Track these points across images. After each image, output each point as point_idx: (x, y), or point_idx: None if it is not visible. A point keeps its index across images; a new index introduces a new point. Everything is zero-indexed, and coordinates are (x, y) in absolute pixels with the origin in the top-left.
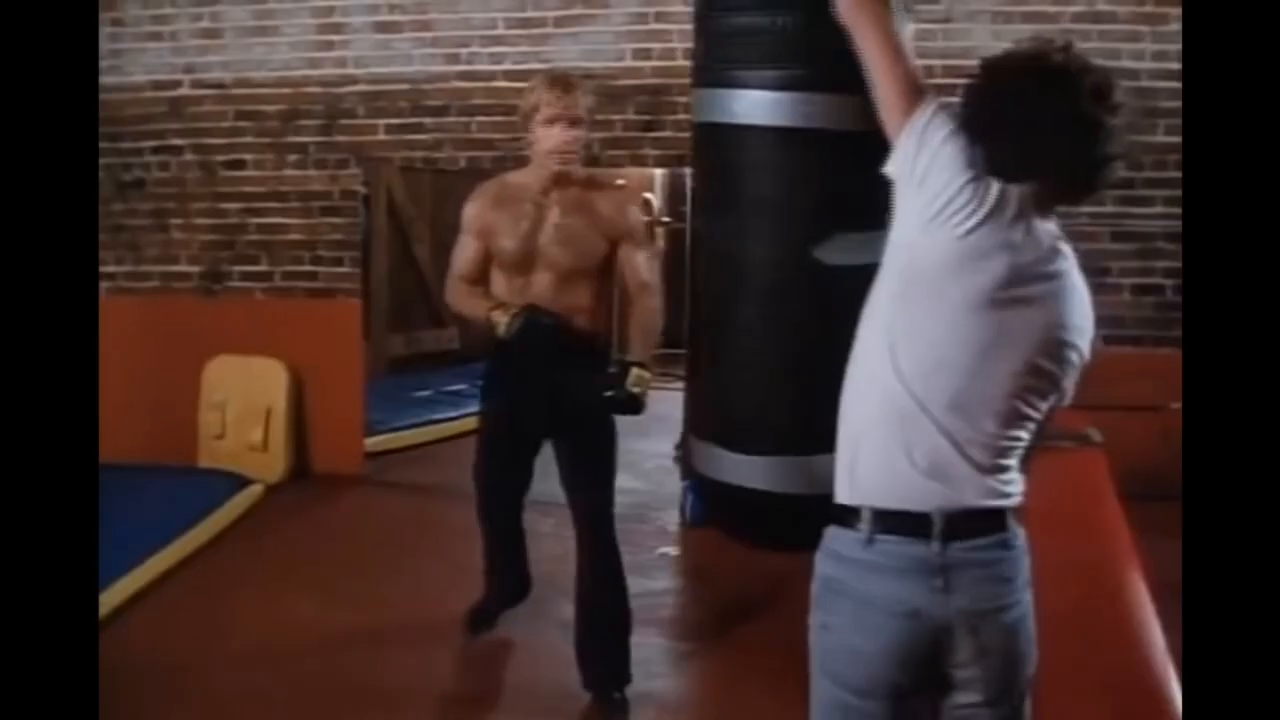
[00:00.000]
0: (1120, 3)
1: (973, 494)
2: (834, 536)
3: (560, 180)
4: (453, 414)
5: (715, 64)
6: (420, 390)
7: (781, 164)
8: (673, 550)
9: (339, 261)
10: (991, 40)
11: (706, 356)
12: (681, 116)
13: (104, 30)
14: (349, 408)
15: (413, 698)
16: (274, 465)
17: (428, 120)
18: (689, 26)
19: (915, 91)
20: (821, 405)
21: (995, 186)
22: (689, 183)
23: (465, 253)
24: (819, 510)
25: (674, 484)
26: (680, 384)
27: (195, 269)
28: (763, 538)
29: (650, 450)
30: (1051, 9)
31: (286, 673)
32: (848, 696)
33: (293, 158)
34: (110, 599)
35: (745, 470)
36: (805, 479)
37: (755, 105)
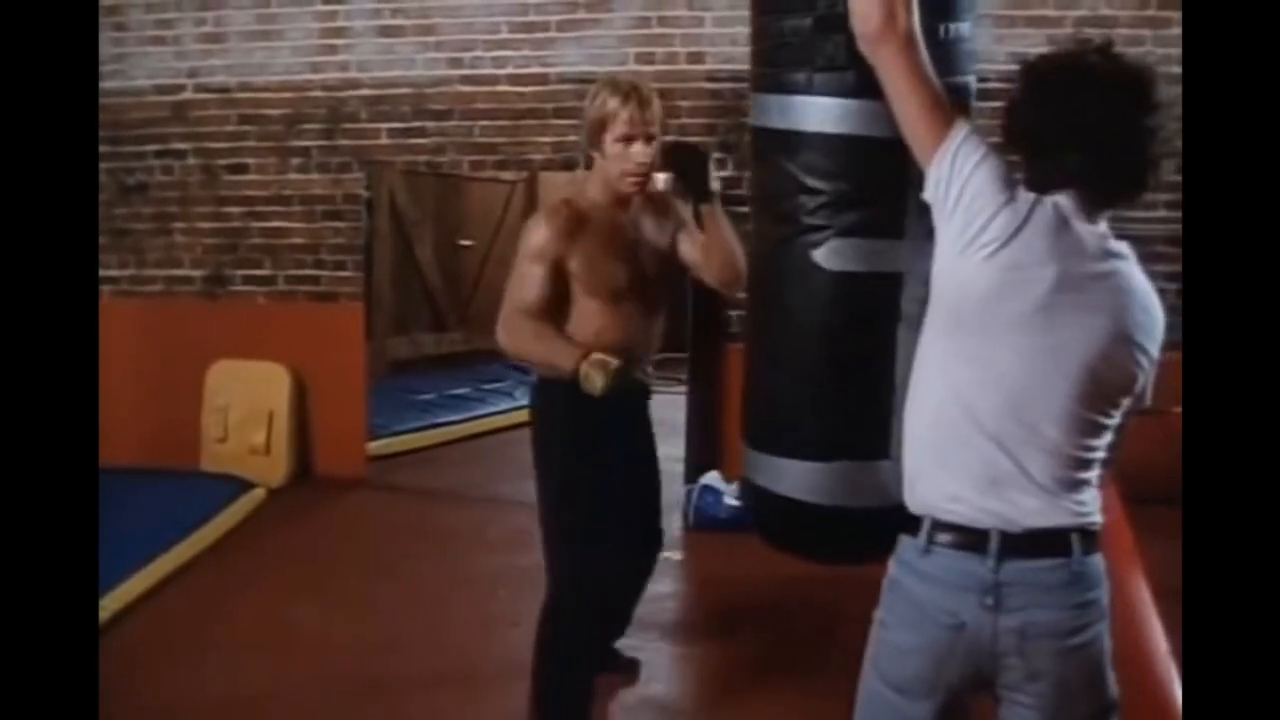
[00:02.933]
0: (1122, 7)
1: (1034, 513)
2: (901, 542)
3: (628, 199)
4: (455, 417)
5: (771, 68)
6: (422, 394)
7: (838, 171)
8: (676, 555)
9: (341, 265)
10: (994, 45)
11: (753, 356)
12: (685, 121)
13: (107, 34)
14: (351, 411)
15: (413, 700)
16: (276, 469)
17: (430, 124)
18: (692, 30)
19: (943, 119)
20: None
21: (1031, 201)
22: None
23: (530, 282)
24: (845, 522)
25: (677, 487)
26: (682, 388)
27: (198, 273)
28: (786, 544)
29: None
30: (1054, 13)
31: (288, 677)
32: (887, 691)
33: (295, 161)
34: (113, 603)
35: (774, 474)
36: (832, 488)
37: (812, 111)
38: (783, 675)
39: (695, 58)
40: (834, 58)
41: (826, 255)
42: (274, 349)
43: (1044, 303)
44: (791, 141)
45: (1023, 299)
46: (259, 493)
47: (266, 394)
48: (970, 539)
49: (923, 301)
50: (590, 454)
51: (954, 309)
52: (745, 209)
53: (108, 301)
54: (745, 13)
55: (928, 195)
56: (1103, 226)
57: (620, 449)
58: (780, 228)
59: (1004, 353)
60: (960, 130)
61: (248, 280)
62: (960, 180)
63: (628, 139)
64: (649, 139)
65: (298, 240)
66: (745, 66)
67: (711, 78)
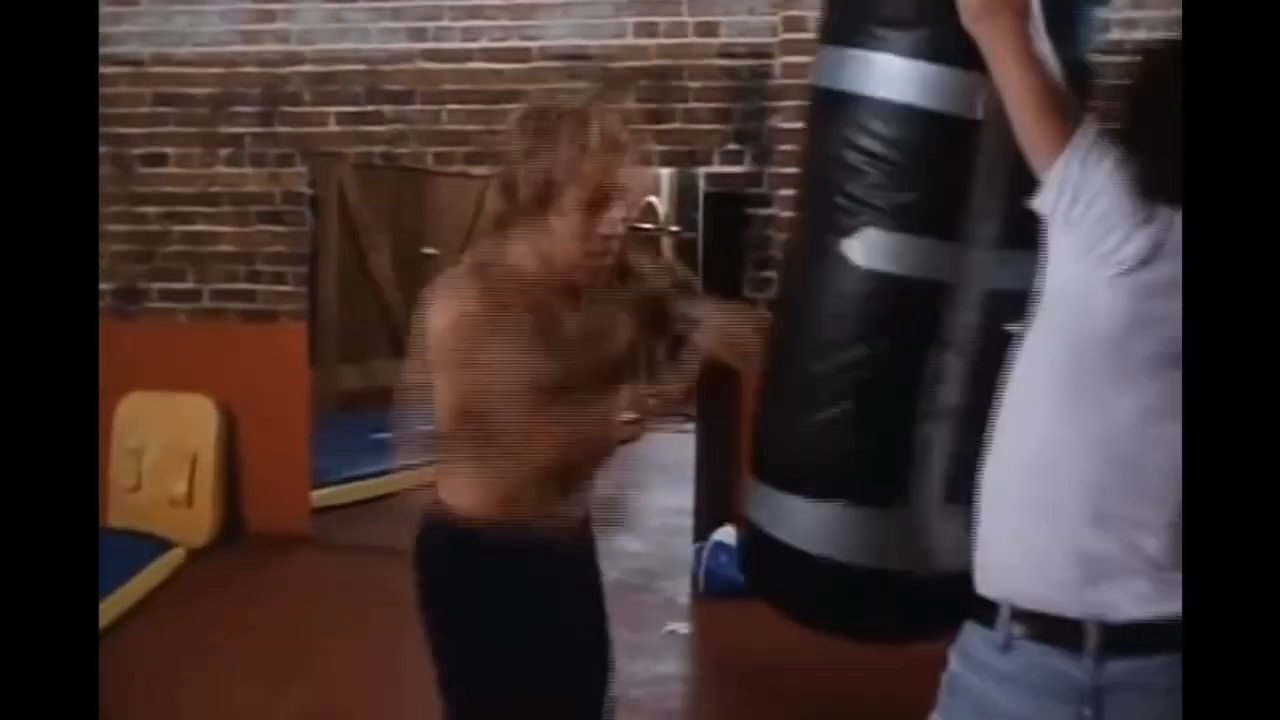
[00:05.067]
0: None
1: (1146, 599)
2: (968, 632)
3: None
4: (418, 461)
5: (845, 16)
6: (379, 432)
7: (890, 147)
8: (683, 627)
9: (281, 278)
10: None
11: (771, 382)
12: (693, 105)
13: None
14: (292, 453)
15: None
16: (200, 524)
17: (388, 108)
18: None
19: (1067, 114)
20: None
21: (1173, 218)
22: (701, 184)
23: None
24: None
25: (684, 545)
26: (690, 425)
27: (106, 286)
28: (816, 616)
29: (654, 505)
30: None
31: None
32: None
33: (224, 152)
34: None
35: (796, 520)
36: (864, 541)
37: (887, 75)
38: None
39: (707, 29)
40: (902, 9)
41: (859, 248)
42: (198, 378)
43: (1173, 345)
44: (842, 106)
45: (1156, 336)
46: (178, 553)
47: (189, 433)
48: (1062, 632)
49: (974, 329)
50: (507, 627)
51: (1069, 342)
52: (765, 211)
53: None
54: None
55: (1043, 204)
56: None
57: (554, 622)
58: (814, 210)
59: (1126, 400)
60: (1090, 128)
61: (166, 295)
62: (1092, 188)
63: (598, 203)
64: (626, 198)
65: (227, 247)
66: (766, 39)
67: (726, 53)
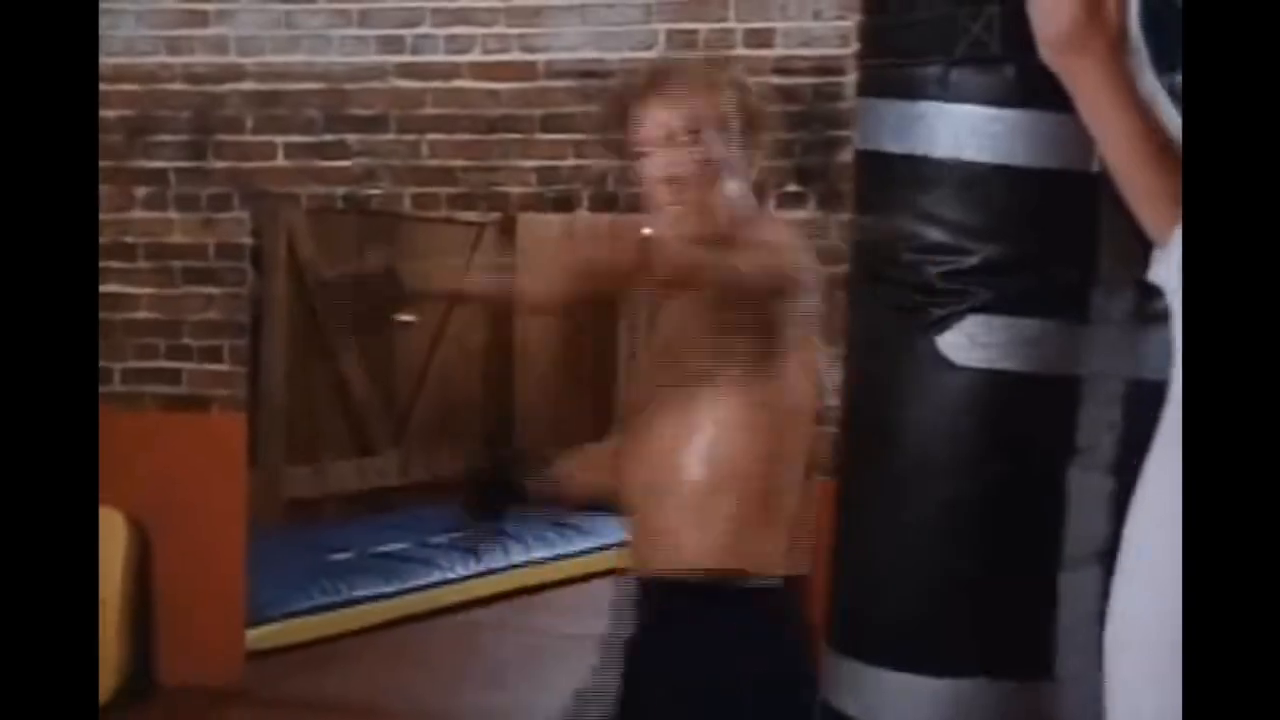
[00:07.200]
0: None
1: None
2: None
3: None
4: (386, 589)
5: (885, 59)
6: (336, 551)
7: (986, 219)
8: None
9: (214, 354)
10: None
11: (843, 505)
12: None
13: None
14: (223, 581)
15: None
16: (103, 674)
17: (352, 138)
18: None
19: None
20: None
21: None
22: None
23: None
24: None
25: None
26: None
27: None
28: None
29: None
30: None
31: None
32: None
33: (142, 192)
34: None
35: (872, 695)
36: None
37: (945, 127)
38: None
39: (759, 39)
40: (983, 41)
41: (958, 343)
42: (104, 484)
43: None
44: (913, 173)
45: None
46: None
47: None
48: None
49: (1113, 427)
50: None
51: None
52: (835, 269)
53: None
54: None
55: (1163, 275)
56: None
57: None
58: (890, 304)
59: None
60: None
61: None
62: None
63: (645, 146)
64: (690, 137)
65: (146, 314)
66: (833, 51)
67: (783, 69)
